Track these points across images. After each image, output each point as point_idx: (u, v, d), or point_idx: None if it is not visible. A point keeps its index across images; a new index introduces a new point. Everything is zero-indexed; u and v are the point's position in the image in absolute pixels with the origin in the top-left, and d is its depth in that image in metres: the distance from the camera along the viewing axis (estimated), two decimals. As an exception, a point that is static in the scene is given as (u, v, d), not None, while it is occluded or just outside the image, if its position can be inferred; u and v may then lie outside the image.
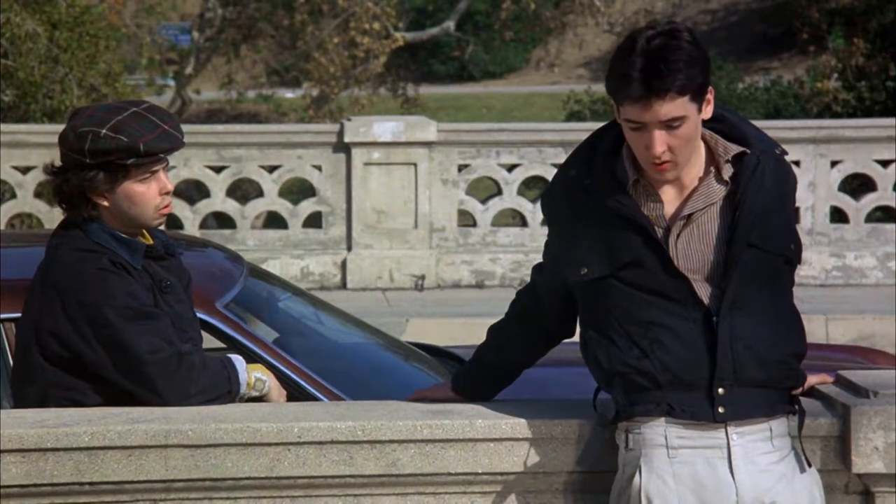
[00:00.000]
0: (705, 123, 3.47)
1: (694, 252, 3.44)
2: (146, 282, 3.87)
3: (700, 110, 3.37)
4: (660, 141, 3.34)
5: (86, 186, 3.84)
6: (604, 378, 3.51)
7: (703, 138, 3.47)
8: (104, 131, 3.79)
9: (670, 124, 3.33)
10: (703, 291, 3.43)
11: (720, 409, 3.40)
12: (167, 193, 3.89)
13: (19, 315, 4.03)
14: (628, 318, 3.44)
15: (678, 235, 3.44)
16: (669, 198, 3.46)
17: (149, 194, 3.87)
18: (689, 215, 3.44)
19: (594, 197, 3.46)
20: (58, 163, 3.89)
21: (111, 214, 3.88)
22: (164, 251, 3.97)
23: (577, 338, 3.73)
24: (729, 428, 3.41)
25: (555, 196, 3.59)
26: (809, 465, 3.50)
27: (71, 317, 3.81)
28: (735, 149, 3.46)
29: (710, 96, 3.39)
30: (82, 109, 3.93)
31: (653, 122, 3.32)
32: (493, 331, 3.84)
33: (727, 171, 3.45)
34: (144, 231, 3.96)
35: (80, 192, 3.86)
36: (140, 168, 3.83)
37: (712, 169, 3.46)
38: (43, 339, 3.84)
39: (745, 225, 3.41)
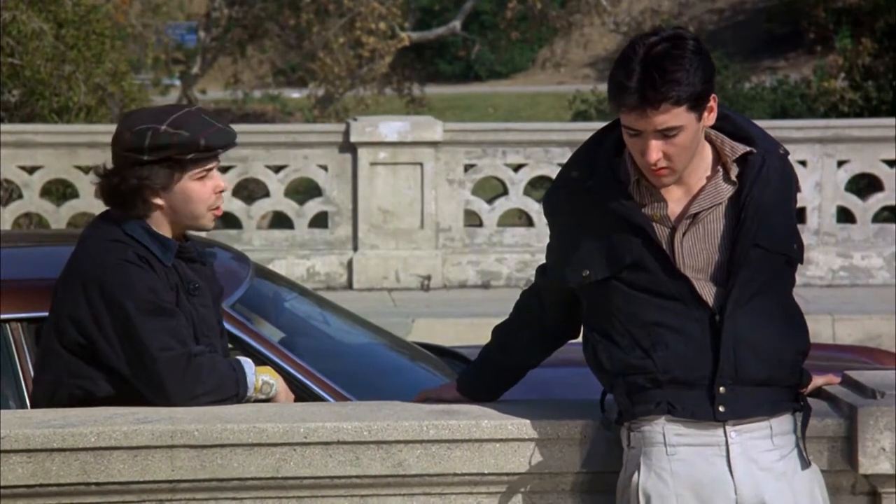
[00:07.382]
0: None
1: (699, 251, 3.44)
2: (173, 280, 3.88)
3: (700, 118, 3.36)
4: (655, 149, 3.34)
5: (144, 185, 3.85)
6: (606, 380, 3.51)
7: (710, 138, 3.47)
8: (164, 127, 3.82)
9: (666, 133, 3.32)
10: (707, 291, 3.42)
11: (721, 408, 3.39)
12: (221, 192, 3.93)
13: (25, 315, 4.04)
14: (631, 319, 3.44)
15: (684, 234, 3.43)
16: (674, 197, 3.45)
17: (205, 192, 3.89)
18: (696, 214, 3.43)
19: (596, 198, 3.46)
20: (109, 165, 3.91)
21: (164, 214, 3.89)
22: (197, 255, 3.98)
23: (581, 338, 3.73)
24: (727, 426, 3.41)
25: (557, 197, 3.59)
26: (809, 464, 3.49)
27: (90, 304, 3.82)
28: (742, 148, 3.46)
29: (712, 103, 3.37)
30: (134, 111, 3.98)
31: (648, 131, 3.32)
32: (498, 332, 3.84)
33: (734, 171, 3.45)
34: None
35: (137, 191, 3.86)
36: (198, 164, 3.85)
37: (720, 169, 3.46)
38: (62, 326, 3.86)
39: (750, 224, 3.41)
